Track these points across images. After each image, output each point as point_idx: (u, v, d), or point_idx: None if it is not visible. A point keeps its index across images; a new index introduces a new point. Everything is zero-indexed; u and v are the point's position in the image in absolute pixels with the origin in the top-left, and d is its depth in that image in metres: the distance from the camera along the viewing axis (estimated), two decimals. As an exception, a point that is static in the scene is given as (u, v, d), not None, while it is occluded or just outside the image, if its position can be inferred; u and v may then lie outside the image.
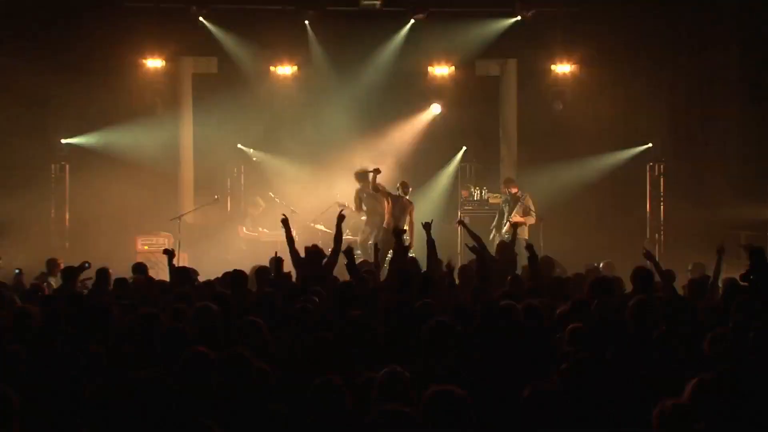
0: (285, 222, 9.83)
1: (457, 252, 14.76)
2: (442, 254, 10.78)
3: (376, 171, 14.74)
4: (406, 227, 14.37)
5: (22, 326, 6.55)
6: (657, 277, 9.04)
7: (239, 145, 16.97)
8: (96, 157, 15.66)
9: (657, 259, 9.32)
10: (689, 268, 11.30)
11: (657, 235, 16.61)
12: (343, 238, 10.16)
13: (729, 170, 16.01)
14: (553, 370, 5.39)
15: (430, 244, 9.73)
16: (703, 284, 8.57)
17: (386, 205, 14.76)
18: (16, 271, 10.79)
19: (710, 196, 15.60)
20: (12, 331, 6.67)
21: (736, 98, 16.52)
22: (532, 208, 15.03)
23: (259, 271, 9.64)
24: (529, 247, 9.58)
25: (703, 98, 16.12)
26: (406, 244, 8.71)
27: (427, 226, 9.82)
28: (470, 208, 16.32)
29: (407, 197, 14.79)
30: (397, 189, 14.76)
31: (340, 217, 9.77)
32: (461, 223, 11.05)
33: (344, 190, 15.79)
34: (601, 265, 11.58)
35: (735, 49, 16.28)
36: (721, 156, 16.19)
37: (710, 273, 9.41)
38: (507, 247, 11.01)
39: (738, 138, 16.35)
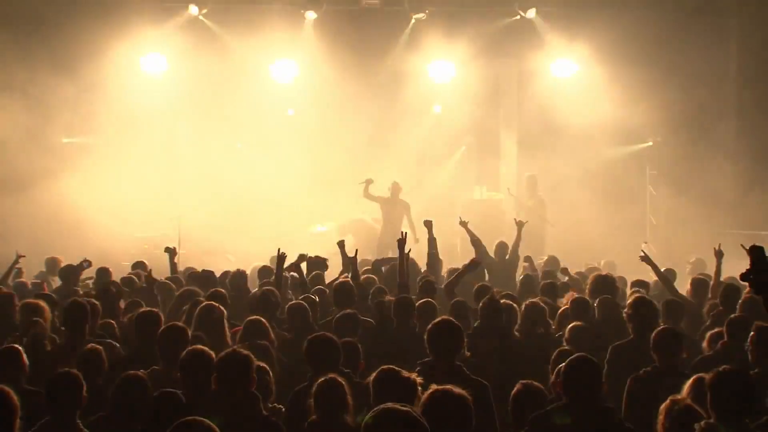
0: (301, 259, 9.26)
1: (456, 251, 14.76)
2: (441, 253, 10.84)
3: (368, 181, 14.74)
4: (406, 230, 14.41)
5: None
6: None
7: (239, 145, 17.01)
8: (96, 156, 15.65)
9: (655, 259, 9.30)
10: (691, 260, 11.33)
11: (657, 233, 16.61)
12: None
13: (729, 168, 16.01)
14: (553, 368, 5.40)
15: (431, 242, 9.75)
16: (706, 284, 8.56)
17: (380, 211, 14.88)
18: (15, 270, 10.77)
19: (710, 194, 15.59)
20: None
21: (736, 96, 16.52)
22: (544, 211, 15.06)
23: (261, 271, 9.70)
24: (528, 259, 9.63)
25: (703, 97, 16.10)
26: (412, 245, 8.68)
27: (428, 224, 9.82)
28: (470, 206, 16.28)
29: (400, 197, 14.83)
30: (389, 190, 14.83)
31: (341, 244, 9.59)
32: (464, 224, 10.89)
33: (342, 190, 15.86)
34: (602, 263, 11.58)
35: (734, 47, 16.28)
36: (721, 154, 16.19)
37: (710, 272, 9.46)
38: (506, 248, 10.97)
39: (738, 136, 16.34)
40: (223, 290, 7.66)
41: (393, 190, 14.83)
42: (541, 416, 4.52)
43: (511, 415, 4.78)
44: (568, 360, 4.66)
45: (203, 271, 9.49)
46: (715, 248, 8.93)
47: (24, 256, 10.32)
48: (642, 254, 9.00)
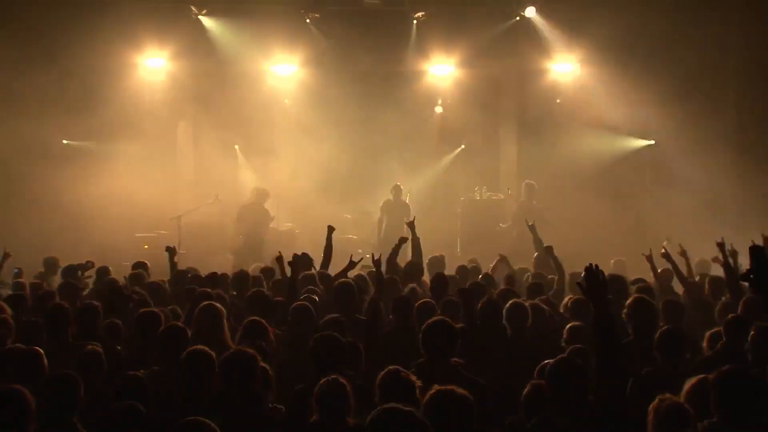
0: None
1: (456, 251, 14.75)
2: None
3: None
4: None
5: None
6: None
7: (236, 147, 17.01)
8: (96, 156, 15.65)
9: (658, 260, 9.29)
10: (694, 261, 11.31)
11: (656, 233, 16.57)
12: None
13: (729, 168, 15.99)
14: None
15: (415, 242, 9.86)
16: (722, 283, 8.53)
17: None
18: (16, 270, 10.76)
19: (710, 194, 15.58)
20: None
21: (736, 95, 16.53)
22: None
23: (264, 271, 9.69)
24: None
25: (703, 96, 16.11)
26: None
27: (410, 225, 9.99)
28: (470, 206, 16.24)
29: (401, 198, 14.96)
30: (391, 192, 14.93)
31: (330, 229, 9.66)
32: (502, 259, 10.67)
33: (342, 189, 15.84)
34: (611, 263, 11.53)
35: (735, 46, 16.28)
36: (721, 154, 16.18)
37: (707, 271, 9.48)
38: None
39: (738, 135, 16.35)
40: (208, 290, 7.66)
41: (395, 192, 15.12)
42: (535, 423, 4.54)
43: (524, 416, 4.78)
44: (550, 364, 4.69)
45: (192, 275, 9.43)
46: (728, 248, 8.92)
47: (11, 255, 10.30)
48: (663, 251, 8.97)
